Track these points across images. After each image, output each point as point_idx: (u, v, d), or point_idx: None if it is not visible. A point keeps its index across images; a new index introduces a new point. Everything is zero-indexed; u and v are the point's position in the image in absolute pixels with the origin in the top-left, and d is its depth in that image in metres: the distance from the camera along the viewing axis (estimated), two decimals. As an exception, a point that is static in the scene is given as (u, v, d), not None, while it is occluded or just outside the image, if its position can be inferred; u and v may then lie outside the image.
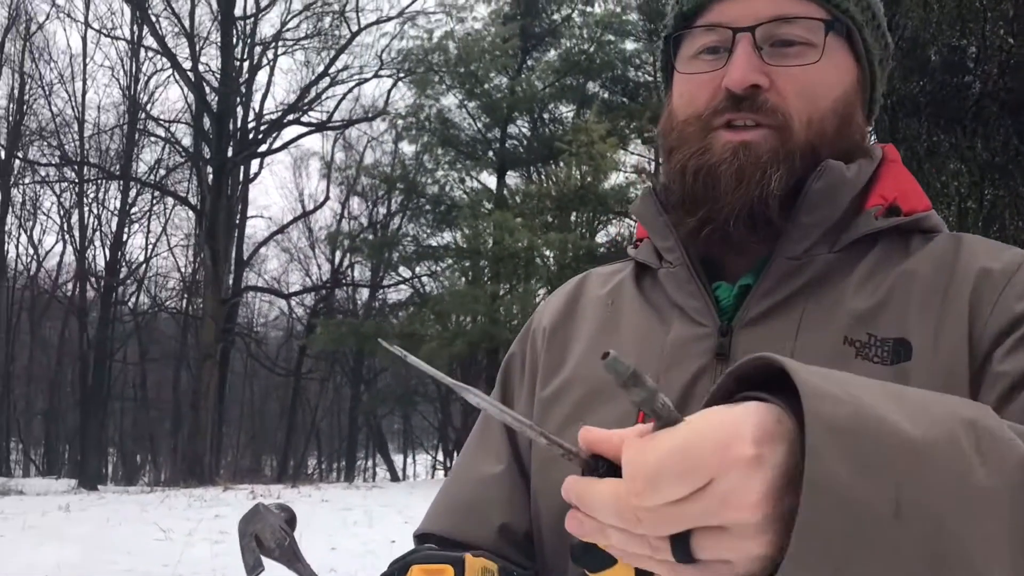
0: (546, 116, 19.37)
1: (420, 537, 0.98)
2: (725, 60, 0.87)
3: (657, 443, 0.52)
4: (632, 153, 21.71)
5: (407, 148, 24.38)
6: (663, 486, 0.51)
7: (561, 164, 17.40)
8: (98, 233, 24.95)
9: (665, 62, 0.98)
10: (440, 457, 30.97)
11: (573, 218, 18.91)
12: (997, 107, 1.86)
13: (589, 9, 19.21)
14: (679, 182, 0.89)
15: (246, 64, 23.21)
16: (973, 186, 1.91)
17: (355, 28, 22.99)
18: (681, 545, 0.53)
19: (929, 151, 1.96)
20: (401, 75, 21.78)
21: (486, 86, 17.96)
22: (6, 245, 24.93)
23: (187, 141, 23.87)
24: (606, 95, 19.82)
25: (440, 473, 28.47)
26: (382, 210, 27.49)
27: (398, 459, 32.27)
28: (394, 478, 26.72)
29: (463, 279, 20.82)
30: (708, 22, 0.90)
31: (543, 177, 19.29)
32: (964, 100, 1.89)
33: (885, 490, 0.51)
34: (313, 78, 23.89)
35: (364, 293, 28.74)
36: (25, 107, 24.12)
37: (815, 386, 0.52)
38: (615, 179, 19.13)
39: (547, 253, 17.32)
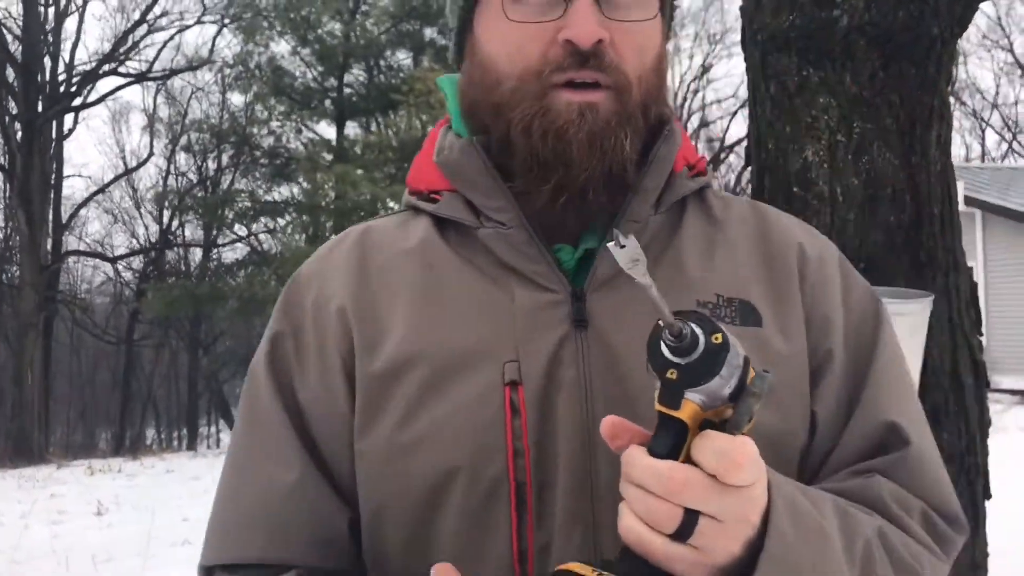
0: (383, 64, 18.92)
1: (228, 568, 0.85)
2: (562, 11, 0.80)
3: (752, 443, 0.65)
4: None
5: (236, 99, 23.32)
6: (749, 471, 0.65)
7: (402, 113, 17.07)
8: None
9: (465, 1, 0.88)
10: (287, 417, 30.44)
11: (415, 169, 18.66)
12: (864, 41, 1.90)
13: (422, -47, 18.84)
14: (524, 144, 0.81)
15: (51, 10, 21.47)
16: (842, 120, 1.95)
17: (173, -29, 21.65)
18: (689, 523, 0.64)
19: (799, 86, 1.98)
20: (227, 21, 20.72)
21: (319, 32, 17.32)
22: None
23: (-11, 95, 21.93)
24: (444, 42, 19.55)
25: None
26: (212, 165, 26.33)
27: (243, 422, 31.44)
28: (240, 442, 26.03)
29: (304, 236, 20.26)
30: None
31: (383, 127, 18.89)
32: (832, 34, 1.91)
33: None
34: (129, 25, 22.40)
35: (197, 254, 27.57)
36: None
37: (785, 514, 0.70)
38: (455, 128, 18.99)
39: (392, 206, 17.07)
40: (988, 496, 1.99)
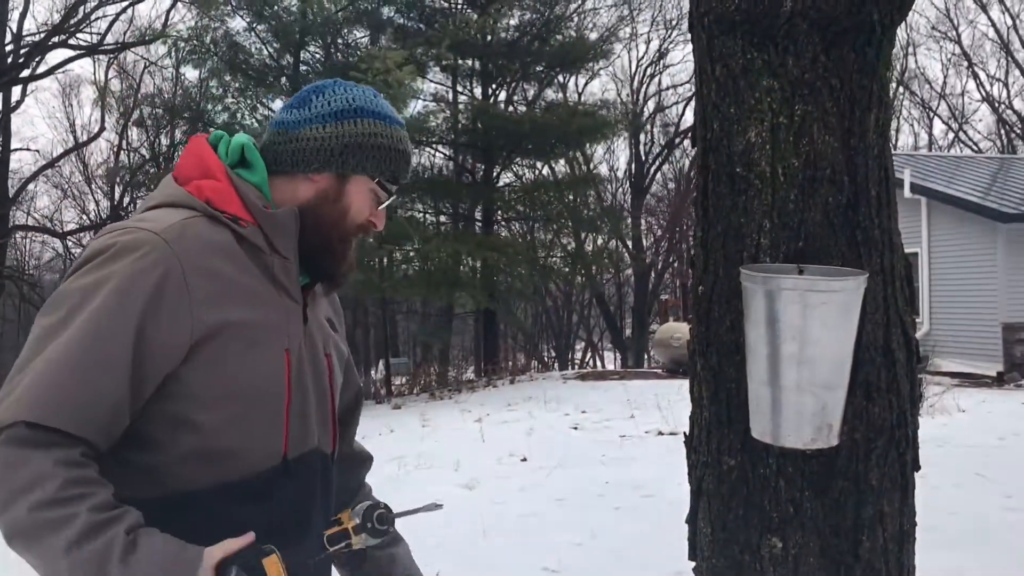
0: (340, 42, 18.71)
1: (31, 425, 1.20)
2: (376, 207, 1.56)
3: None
4: (431, 81, 21.48)
5: (191, 74, 22.92)
6: None
7: (358, 92, 16.89)
8: None
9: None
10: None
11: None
12: (807, 25, 1.94)
13: (381, -71, 18.61)
14: (339, 248, 1.52)
15: (-2, -22, 20.86)
16: (784, 102, 1.99)
17: (125, -59, 21.16)
18: None
19: (743, 68, 2.02)
20: (180, -6, 20.30)
21: (275, 8, 17.06)
22: None
23: (-68, 64, 21.27)
24: (402, 20, 19.39)
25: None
26: (165, 141, 25.88)
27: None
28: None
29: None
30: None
31: (339, 105, 18.66)
32: (776, 18, 1.95)
33: None
34: (79, -4, 21.85)
35: (149, 230, 27.07)
36: None
37: None
38: (414, 107, 18.88)
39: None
40: (917, 468, 2.07)
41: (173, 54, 20.88)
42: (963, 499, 5.65)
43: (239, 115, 18.04)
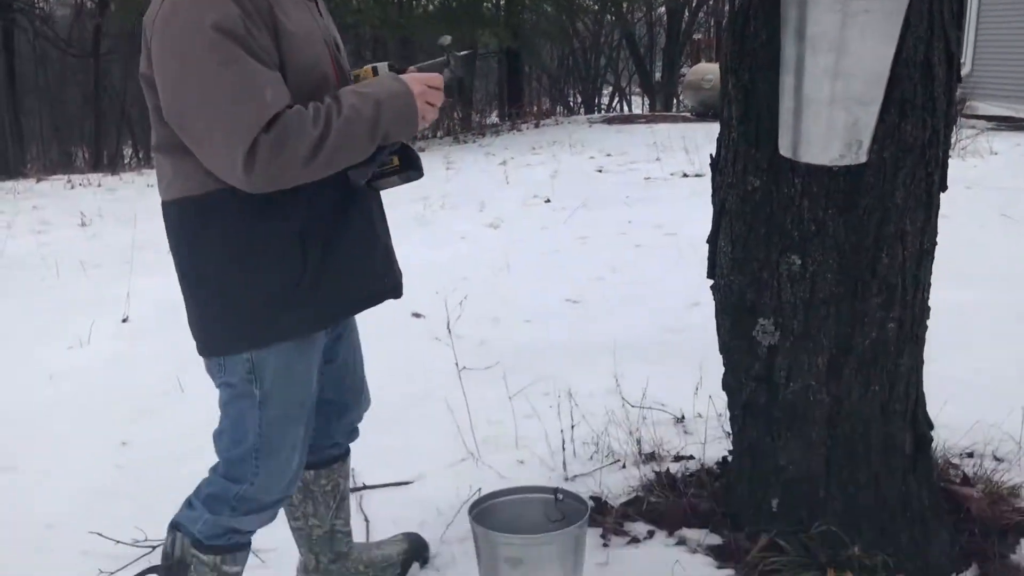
0: None
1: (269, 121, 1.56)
2: None
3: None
4: None
5: None
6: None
7: None
8: None
9: None
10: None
11: None
12: None
13: None
14: None
15: None
16: None
17: None
18: None
19: None
20: None
21: None
22: None
23: None
24: None
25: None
26: None
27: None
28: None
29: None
30: None
31: None
32: None
33: None
34: None
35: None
36: None
37: None
38: None
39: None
40: (944, 188, 2.06)
41: None
42: (986, 238, 5.69)
43: None
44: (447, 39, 1.91)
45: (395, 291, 1.93)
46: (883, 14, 1.73)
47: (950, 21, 1.93)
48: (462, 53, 1.92)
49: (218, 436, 1.84)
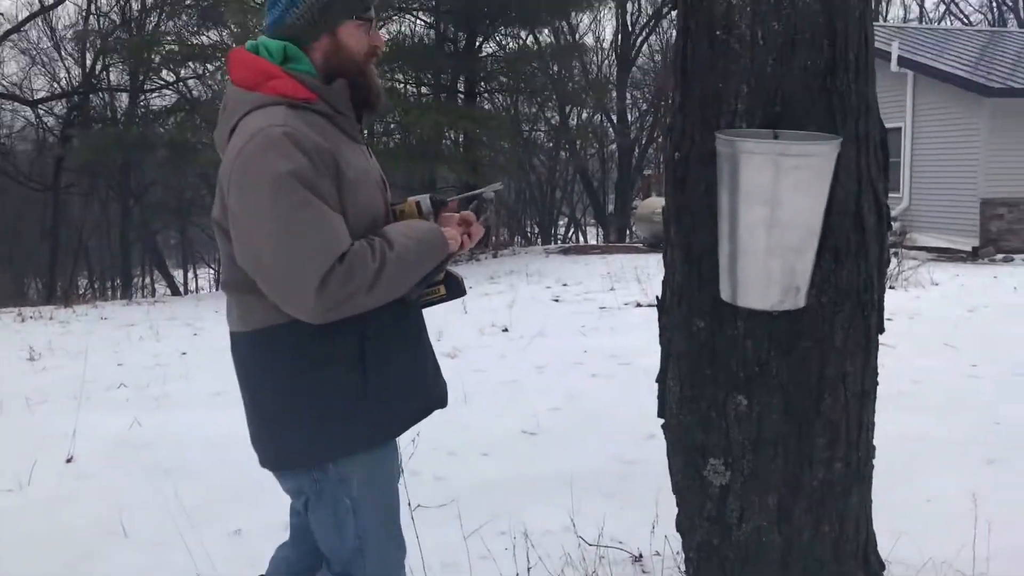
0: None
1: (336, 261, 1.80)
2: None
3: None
4: (409, -56, 20.60)
5: (160, -67, 21.90)
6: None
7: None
8: None
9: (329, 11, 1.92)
10: (223, 269, 30.04)
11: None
12: None
13: None
14: (374, 86, 2.01)
15: None
16: (767, -38, 1.96)
17: None
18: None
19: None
20: None
21: None
22: None
23: None
24: None
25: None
26: (136, 6, 24.98)
27: (178, 274, 31.09)
28: (175, 293, 25.82)
29: (234, 82, 19.44)
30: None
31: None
32: None
33: None
34: None
35: (124, 99, 26.49)
36: None
37: None
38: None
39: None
40: (881, 330, 2.13)
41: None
42: (930, 368, 5.82)
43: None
44: (498, 186, 2.31)
45: (442, 401, 2.13)
46: (813, 170, 1.83)
47: (877, 174, 2.05)
48: (491, 192, 2.22)
49: (324, 543, 2.03)
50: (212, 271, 31.88)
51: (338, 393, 1.89)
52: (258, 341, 1.91)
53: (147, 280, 31.04)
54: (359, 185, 1.89)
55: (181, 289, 28.32)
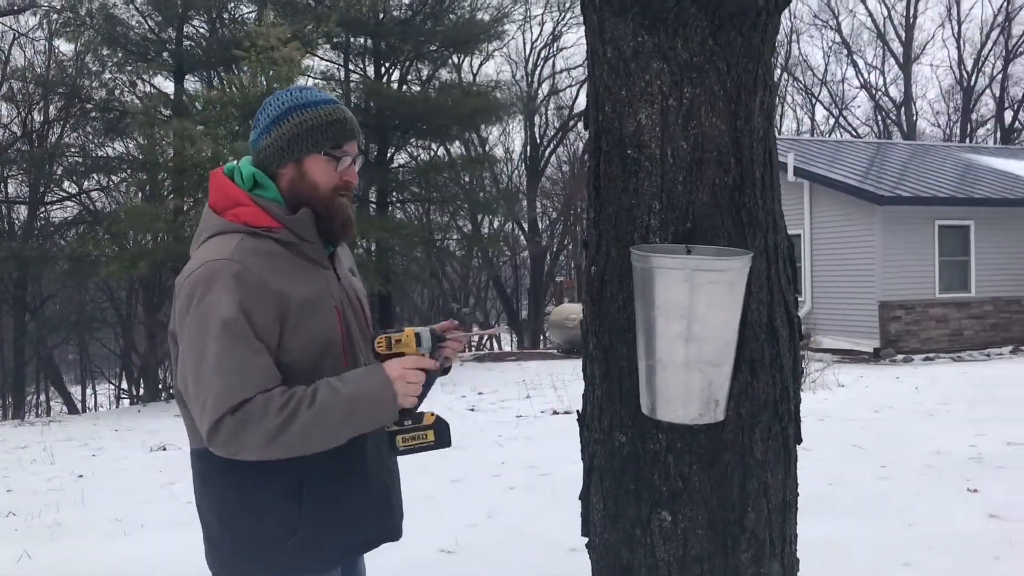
0: (226, 16, 18.11)
1: (233, 408, 1.75)
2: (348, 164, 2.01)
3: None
4: (321, 59, 21.02)
5: (65, 47, 21.81)
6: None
7: (245, 70, 16.41)
8: None
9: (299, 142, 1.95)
10: (124, 385, 28.94)
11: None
12: (695, 8, 1.97)
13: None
14: (338, 219, 1.99)
15: None
16: (673, 85, 2.02)
17: (-9, -96, 19.93)
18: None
19: (634, 51, 2.04)
20: (54, -37, 19.25)
21: (157, -21, 16.39)
22: None
23: None
24: (290, -4, 18.89)
25: (125, 402, 26.64)
26: (38, 117, 24.60)
27: (76, 391, 29.75)
28: (72, 411, 24.66)
29: (140, 194, 19.26)
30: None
31: (225, 83, 18.11)
32: (666, 1, 1.98)
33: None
34: (-59, -39, 20.51)
35: (23, 211, 25.78)
36: None
37: None
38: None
39: (231, 159, 16.41)
40: (799, 441, 2.14)
41: (45, 26, 19.84)
42: (842, 470, 5.92)
43: (117, 91, 17.29)
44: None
45: (392, 535, 2.11)
46: (727, 284, 1.86)
47: (787, 287, 2.09)
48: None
49: None
50: (112, 387, 30.65)
51: (273, 521, 1.89)
52: (200, 458, 1.94)
53: (42, 398, 29.62)
54: (310, 313, 1.89)
55: (79, 407, 27.08)
